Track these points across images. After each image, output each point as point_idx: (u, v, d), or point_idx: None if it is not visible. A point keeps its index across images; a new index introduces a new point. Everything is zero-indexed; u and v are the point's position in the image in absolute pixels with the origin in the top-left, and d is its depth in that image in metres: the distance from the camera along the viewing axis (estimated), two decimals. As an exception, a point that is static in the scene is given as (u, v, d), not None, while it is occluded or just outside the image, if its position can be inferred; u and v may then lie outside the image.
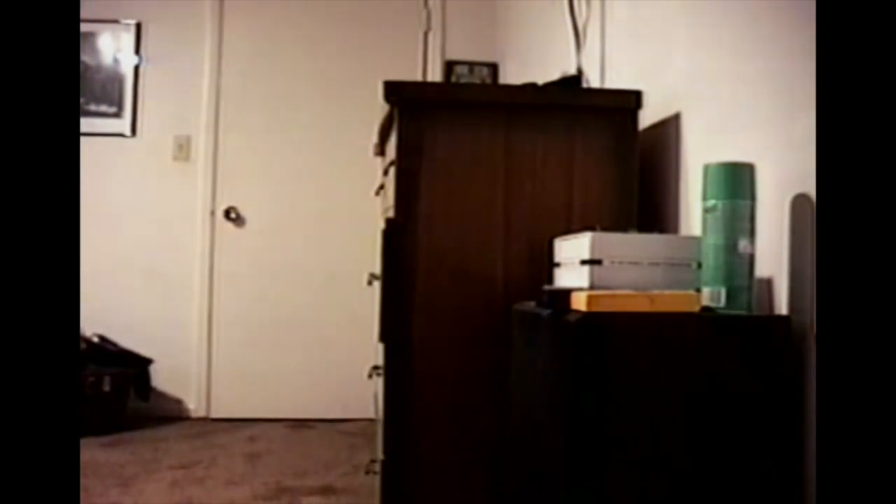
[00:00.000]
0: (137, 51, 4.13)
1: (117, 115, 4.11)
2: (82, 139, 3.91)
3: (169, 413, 4.03)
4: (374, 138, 2.42)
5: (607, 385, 1.22)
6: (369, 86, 3.11)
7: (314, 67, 4.15)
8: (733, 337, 1.26)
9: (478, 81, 4.09)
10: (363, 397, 3.74)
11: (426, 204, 1.81)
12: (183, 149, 4.12)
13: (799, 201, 1.34)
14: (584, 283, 1.44)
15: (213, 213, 4.10)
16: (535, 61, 3.32)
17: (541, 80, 2.05)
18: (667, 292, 1.30)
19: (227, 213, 4.11)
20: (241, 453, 3.32)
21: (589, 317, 1.24)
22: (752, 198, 1.35)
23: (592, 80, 2.39)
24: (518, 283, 1.79)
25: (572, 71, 2.41)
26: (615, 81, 2.28)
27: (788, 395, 1.27)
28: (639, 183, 1.87)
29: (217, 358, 4.11)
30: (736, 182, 1.34)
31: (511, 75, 3.85)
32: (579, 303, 1.28)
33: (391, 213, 1.88)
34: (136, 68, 4.12)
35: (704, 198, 1.37)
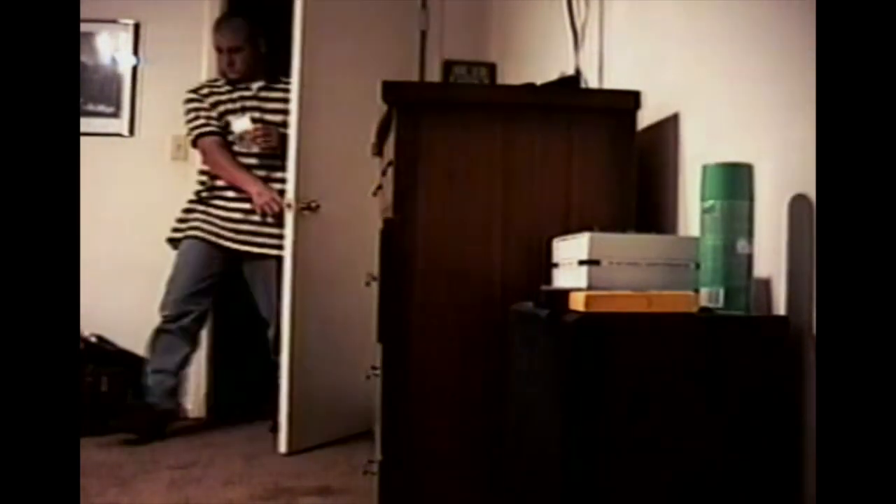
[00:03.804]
0: (136, 51, 4.12)
1: (115, 114, 4.10)
2: (80, 139, 3.90)
3: (167, 413, 4.01)
4: (372, 138, 2.42)
5: (605, 385, 1.22)
6: (367, 86, 3.11)
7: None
8: (731, 337, 1.26)
9: (476, 81, 4.07)
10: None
11: (424, 204, 1.81)
12: (181, 148, 4.10)
13: (797, 202, 1.34)
14: (583, 284, 1.44)
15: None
16: (533, 61, 3.32)
17: (539, 81, 2.05)
18: (665, 293, 1.30)
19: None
20: (238, 453, 3.31)
21: (587, 317, 1.24)
22: (751, 198, 1.35)
23: (591, 81, 2.39)
24: (516, 283, 1.79)
25: (570, 71, 2.41)
26: (613, 82, 2.28)
27: (787, 396, 1.28)
28: (637, 183, 1.87)
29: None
30: (734, 182, 1.34)
31: (509, 75, 3.85)
32: (577, 303, 1.28)
33: (389, 214, 1.88)
34: (135, 68, 4.12)
35: (703, 198, 1.37)
